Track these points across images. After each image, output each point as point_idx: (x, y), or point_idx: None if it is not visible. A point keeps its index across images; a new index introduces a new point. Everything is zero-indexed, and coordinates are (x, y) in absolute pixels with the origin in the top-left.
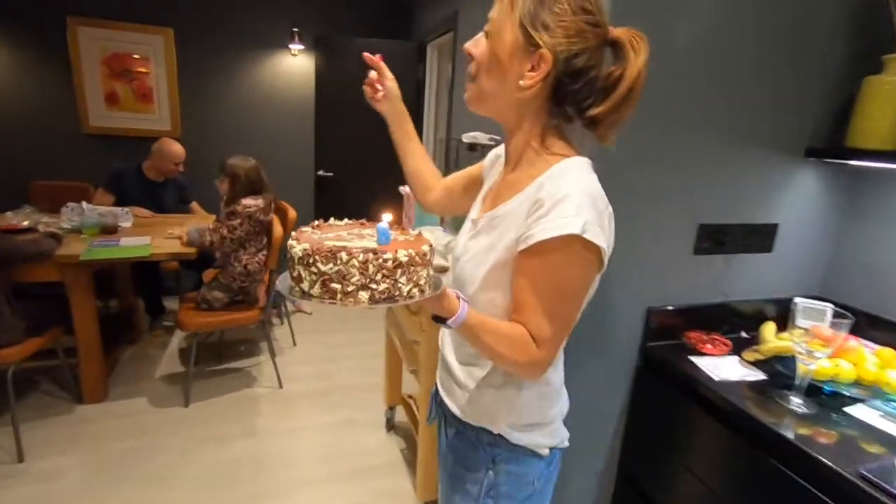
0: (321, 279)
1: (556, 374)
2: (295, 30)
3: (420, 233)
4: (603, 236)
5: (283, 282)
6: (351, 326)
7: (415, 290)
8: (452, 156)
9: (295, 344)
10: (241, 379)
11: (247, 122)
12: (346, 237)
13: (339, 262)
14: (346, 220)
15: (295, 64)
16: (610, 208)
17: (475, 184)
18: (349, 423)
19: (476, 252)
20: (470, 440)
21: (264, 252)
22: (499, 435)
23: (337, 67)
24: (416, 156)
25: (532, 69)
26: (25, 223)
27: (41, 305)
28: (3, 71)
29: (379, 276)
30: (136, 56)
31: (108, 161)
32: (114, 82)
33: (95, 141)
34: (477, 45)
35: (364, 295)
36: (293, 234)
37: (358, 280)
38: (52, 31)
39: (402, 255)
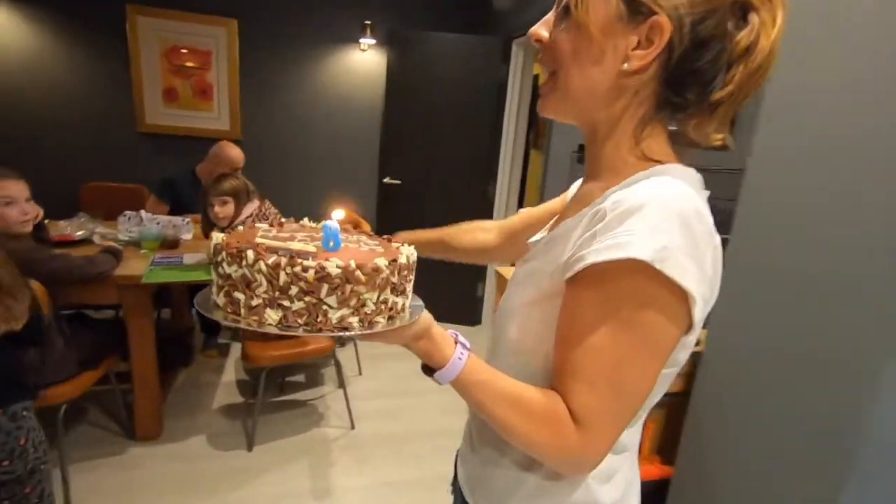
0: (226, 285)
1: (616, 475)
2: (367, 22)
3: (400, 245)
4: (695, 275)
5: (202, 294)
6: None
7: (352, 319)
8: (558, 169)
9: (361, 372)
10: (307, 416)
11: (308, 122)
12: (297, 239)
13: (243, 263)
14: (323, 222)
15: (363, 60)
16: (717, 240)
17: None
18: (438, 481)
19: (519, 280)
20: None
21: None
22: None
23: (410, 64)
24: (455, 233)
25: (639, 45)
26: (80, 233)
27: (96, 332)
28: (59, 64)
29: (294, 291)
30: (196, 49)
31: (162, 162)
32: (173, 77)
33: (149, 140)
34: (549, 27)
35: (272, 314)
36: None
37: (265, 292)
38: (110, 21)
39: (332, 267)
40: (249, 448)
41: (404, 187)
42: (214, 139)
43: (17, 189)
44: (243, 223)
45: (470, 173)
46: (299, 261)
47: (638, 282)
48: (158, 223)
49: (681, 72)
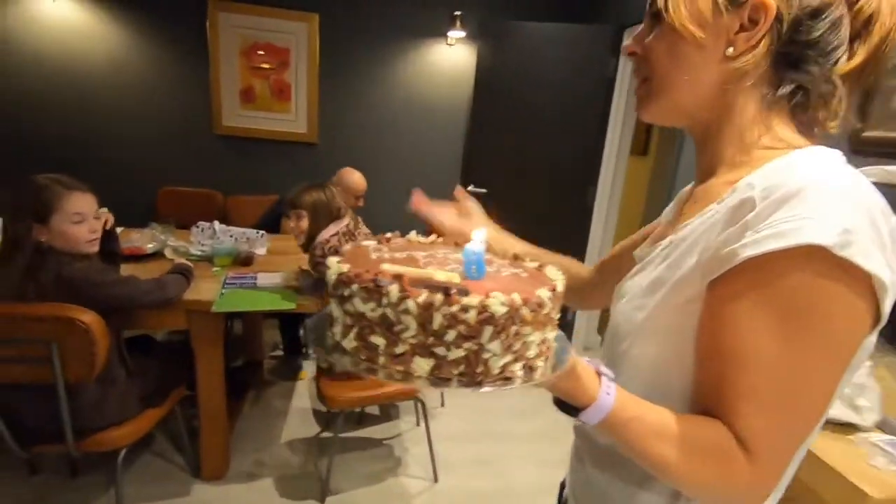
0: (358, 326)
1: None
2: (457, 13)
3: (543, 266)
4: (880, 260)
5: (315, 325)
6: None
7: (515, 367)
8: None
9: (443, 404)
10: (384, 461)
11: (387, 125)
12: (421, 261)
13: (385, 300)
14: (433, 237)
15: (450, 56)
16: (895, 221)
17: None
18: None
19: (636, 292)
20: None
21: None
22: None
23: (503, 59)
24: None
25: (742, 28)
26: (150, 246)
27: (162, 361)
28: (138, 64)
29: (451, 336)
30: (275, 46)
31: (237, 167)
32: (251, 77)
33: (224, 143)
34: (643, 38)
35: (423, 364)
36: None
37: (414, 337)
38: (191, 18)
39: (497, 306)
40: (322, 499)
41: (491, 197)
42: (290, 142)
43: (88, 204)
44: (325, 242)
45: (566, 180)
46: (458, 298)
47: (813, 272)
48: (232, 235)
49: (796, 44)
